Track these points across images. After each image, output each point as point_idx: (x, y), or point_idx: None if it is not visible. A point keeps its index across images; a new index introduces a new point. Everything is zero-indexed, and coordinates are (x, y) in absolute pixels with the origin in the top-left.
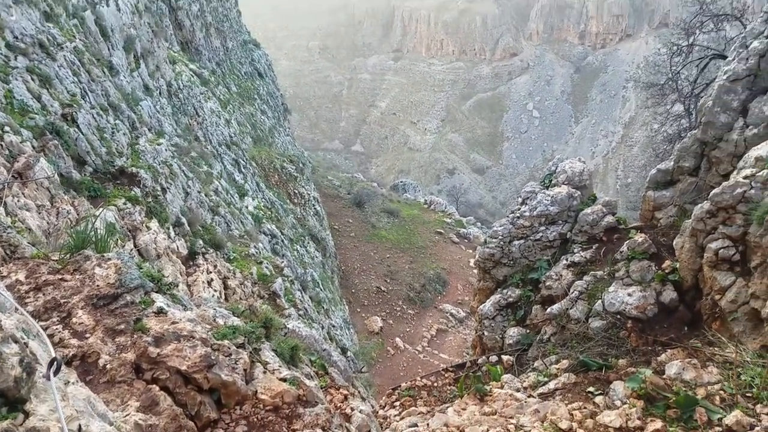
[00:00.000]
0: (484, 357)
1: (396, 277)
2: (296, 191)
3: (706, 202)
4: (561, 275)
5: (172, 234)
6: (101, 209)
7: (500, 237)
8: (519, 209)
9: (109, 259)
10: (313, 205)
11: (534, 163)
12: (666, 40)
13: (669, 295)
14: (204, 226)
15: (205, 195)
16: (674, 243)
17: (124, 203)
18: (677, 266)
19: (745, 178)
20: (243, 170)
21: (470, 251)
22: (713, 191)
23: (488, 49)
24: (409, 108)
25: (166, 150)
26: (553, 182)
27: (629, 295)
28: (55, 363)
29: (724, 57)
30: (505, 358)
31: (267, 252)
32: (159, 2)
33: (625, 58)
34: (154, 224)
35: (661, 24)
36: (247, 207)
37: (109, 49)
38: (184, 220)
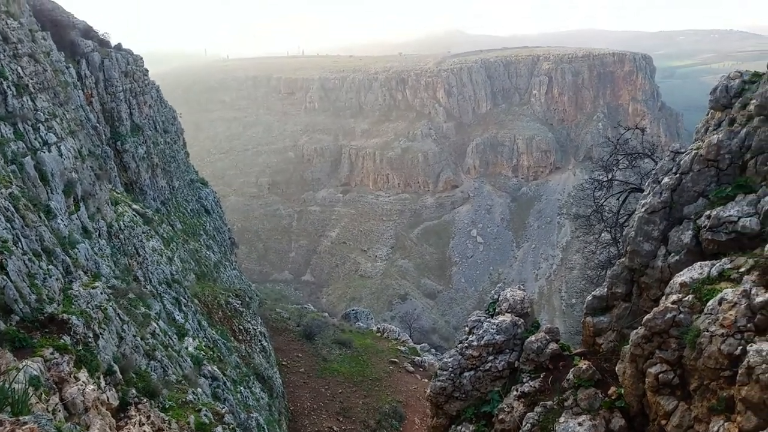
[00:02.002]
0: None
1: (350, 415)
2: (241, 327)
3: (641, 327)
4: (513, 407)
5: (103, 384)
6: (24, 363)
7: (450, 369)
8: (467, 339)
9: (25, 423)
10: (260, 341)
11: (482, 286)
12: (589, 175)
13: (618, 422)
14: (138, 373)
15: (141, 338)
16: (617, 369)
17: (52, 353)
18: (622, 392)
19: (673, 303)
20: (184, 309)
21: (425, 380)
22: (646, 317)
23: (431, 182)
24: (359, 237)
25: (101, 293)
26: (497, 310)
27: (579, 424)
28: None
29: (642, 190)
30: None
31: (207, 397)
32: (104, 146)
33: (556, 188)
34: (83, 374)
35: (586, 157)
36: (186, 348)
37: (48, 193)
38: (116, 367)
